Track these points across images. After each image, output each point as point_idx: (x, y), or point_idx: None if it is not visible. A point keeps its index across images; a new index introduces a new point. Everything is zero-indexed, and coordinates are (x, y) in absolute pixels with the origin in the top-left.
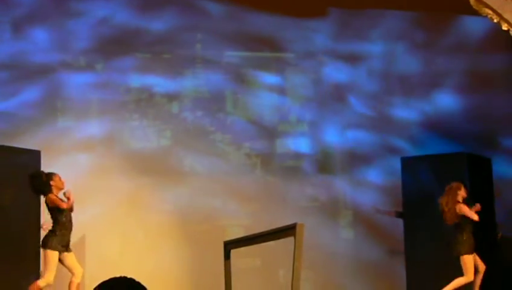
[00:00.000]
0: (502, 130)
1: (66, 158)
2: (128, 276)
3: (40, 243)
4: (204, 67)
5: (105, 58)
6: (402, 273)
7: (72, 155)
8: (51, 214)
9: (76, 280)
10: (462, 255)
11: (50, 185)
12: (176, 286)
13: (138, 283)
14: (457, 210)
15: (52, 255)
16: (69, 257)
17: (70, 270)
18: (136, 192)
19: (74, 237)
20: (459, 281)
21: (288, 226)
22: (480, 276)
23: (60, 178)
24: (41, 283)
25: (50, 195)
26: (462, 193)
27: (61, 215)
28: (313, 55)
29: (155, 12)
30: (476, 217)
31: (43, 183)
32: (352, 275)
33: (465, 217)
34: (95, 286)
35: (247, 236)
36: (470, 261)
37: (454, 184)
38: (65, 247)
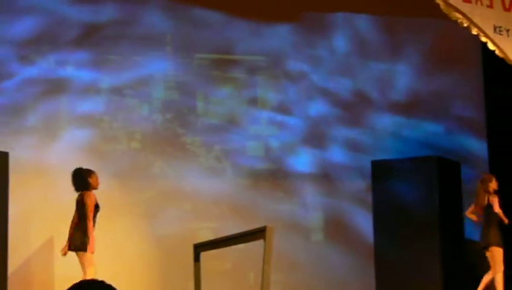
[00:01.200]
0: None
1: (33, 158)
2: (97, 278)
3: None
4: (175, 69)
5: (77, 58)
6: (371, 277)
7: (39, 156)
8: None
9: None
10: (491, 246)
11: (89, 183)
12: (146, 289)
13: (109, 286)
14: (490, 200)
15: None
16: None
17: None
18: (105, 195)
19: (43, 239)
20: (487, 278)
21: (258, 229)
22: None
23: (97, 177)
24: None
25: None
26: (493, 185)
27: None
28: (283, 58)
29: (127, 14)
30: (504, 219)
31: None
32: (321, 278)
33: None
34: (64, 288)
35: (217, 239)
36: (499, 254)
37: (486, 176)
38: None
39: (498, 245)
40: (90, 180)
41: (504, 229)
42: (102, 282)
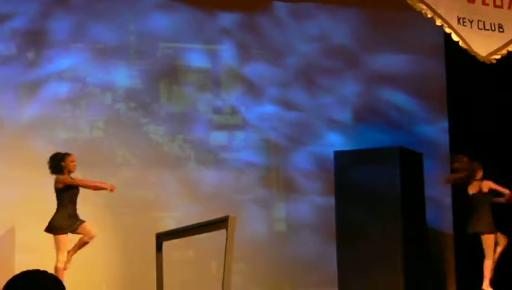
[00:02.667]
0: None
1: None
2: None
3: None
4: (138, 58)
5: (37, 47)
6: (334, 266)
7: (2, 146)
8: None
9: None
10: (484, 234)
11: (62, 166)
12: (108, 279)
13: (52, 275)
14: (481, 187)
15: (63, 237)
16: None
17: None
18: None
19: (3, 228)
20: (488, 265)
21: (220, 218)
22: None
23: (73, 160)
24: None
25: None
26: (481, 174)
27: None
28: (247, 47)
29: (89, 1)
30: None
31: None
32: (284, 267)
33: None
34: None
35: (179, 228)
36: (491, 241)
37: (475, 165)
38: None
39: (490, 232)
40: (64, 163)
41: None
42: (44, 272)
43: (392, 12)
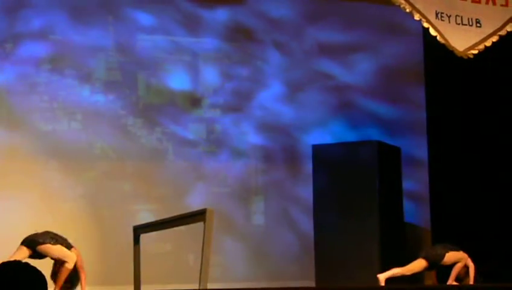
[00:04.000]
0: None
1: None
2: (37, 260)
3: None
4: (117, 50)
5: (15, 38)
6: (311, 259)
7: None
8: None
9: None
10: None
11: None
12: (85, 271)
13: (33, 268)
14: None
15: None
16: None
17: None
18: (44, 175)
19: None
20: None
21: (198, 211)
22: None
23: None
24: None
25: None
26: None
27: None
28: (227, 40)
29: None
30: None
31: None
32: (262, 260)
33: None
34: None
35: (157, 221)
36: None
37: None
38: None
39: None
40: None
41: None
42: (26, 264)
43: (372, 6)
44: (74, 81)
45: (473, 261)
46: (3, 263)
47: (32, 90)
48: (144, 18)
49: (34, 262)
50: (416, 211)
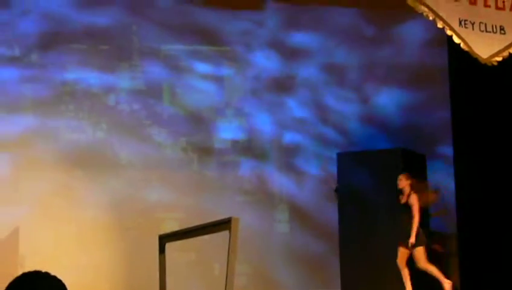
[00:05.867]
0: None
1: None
2: (62, 269)
3: None
4: (141, 59)
5: (41, 50)
6: (336, 267)
7: (6, 147)
8: None
9: None
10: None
11: None
12: (111, 280)
13: (54, 277)
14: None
15: None
16: None
17: None
18: (71, 185)
19: (8, 229)
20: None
21: (223, 220)
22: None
23: None
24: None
25: None
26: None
27: None
28: (251, 48)
29: (91, 3)
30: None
31: None
32: (287, 269)
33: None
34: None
35: (182, 230)
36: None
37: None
38: None
39: (421, 244)
40: None
41: None
42: (46, 274)
43: (399, 15)
44: (99, 91)
45: (503, 269)
46: (24, 273)
47: (58, 101)
48: (169, 29)
49: (55, 271)
50: (442, 219)
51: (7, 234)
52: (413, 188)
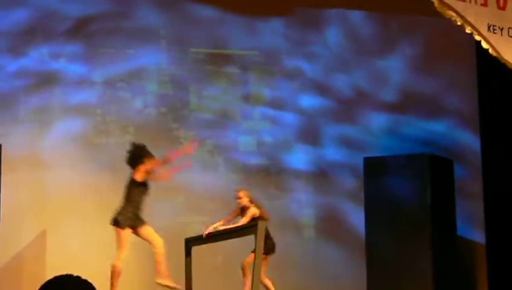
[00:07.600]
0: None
1: (26, 150)
2: (88, 271)
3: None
4: (170, 63)
5: (70, 51)
6: (363, 273)
7: (31, 148)
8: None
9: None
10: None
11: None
12: (136, 283)
13: (85, 281)
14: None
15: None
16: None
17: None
18: (98, 187)
19: (37, 230)
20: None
21: (249, 224)
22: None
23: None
24: (118, 263)
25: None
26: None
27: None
28: (277, 53)
29: (120, 7)
30: None
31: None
32: (313, 275)
33: None
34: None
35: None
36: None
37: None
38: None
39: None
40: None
41: None
42: (77, 277)
43: (426, 20)
44: (126, 94)
45: None
46: (56, 277)
47: (86, 104)
48: (195, 31)
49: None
50: (469, 225)
51: (36, 235)
52: (252, 202)
